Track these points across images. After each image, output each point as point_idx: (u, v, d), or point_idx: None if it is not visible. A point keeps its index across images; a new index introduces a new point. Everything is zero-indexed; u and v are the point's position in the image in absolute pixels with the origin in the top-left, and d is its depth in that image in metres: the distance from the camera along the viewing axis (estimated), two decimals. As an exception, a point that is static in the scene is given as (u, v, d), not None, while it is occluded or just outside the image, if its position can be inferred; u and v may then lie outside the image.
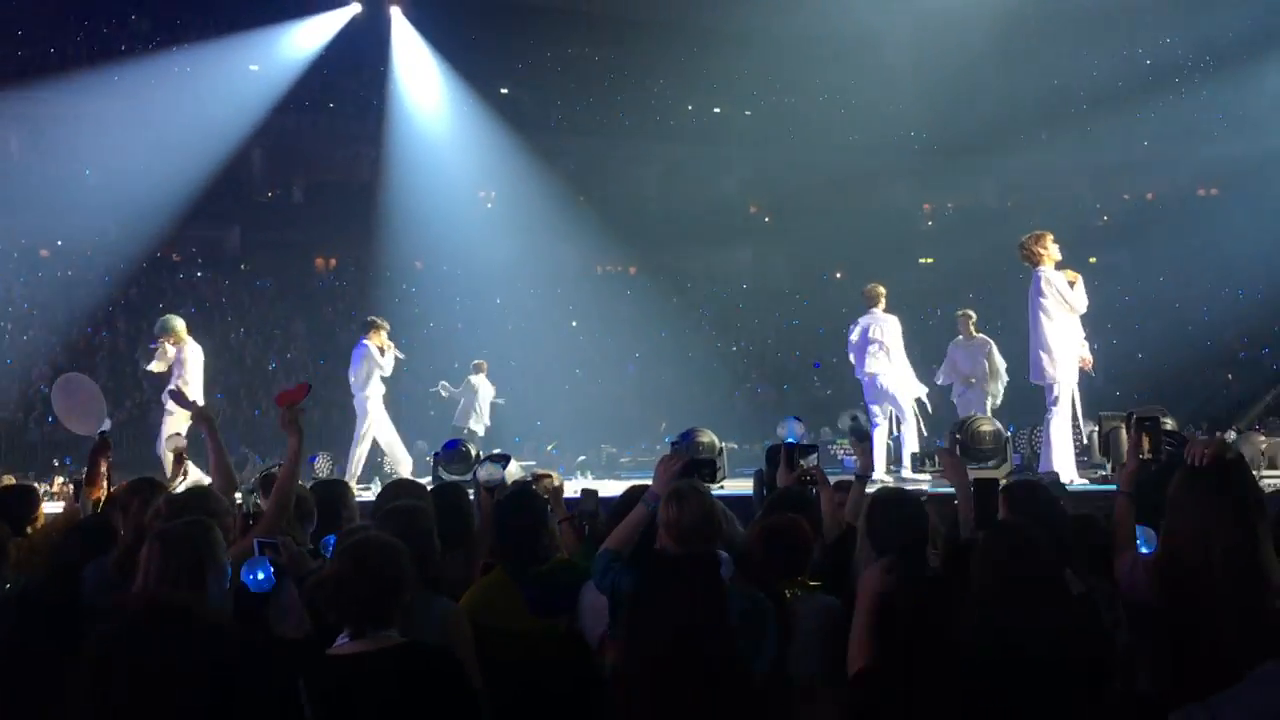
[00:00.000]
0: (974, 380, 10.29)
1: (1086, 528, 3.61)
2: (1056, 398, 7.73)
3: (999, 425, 8.73)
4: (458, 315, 21.70)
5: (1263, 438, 10.68)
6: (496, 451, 4.87)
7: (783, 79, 28.07)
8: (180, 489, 5.10)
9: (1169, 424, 5.55)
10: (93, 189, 22.44)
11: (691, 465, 3.65)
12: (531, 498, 3.96)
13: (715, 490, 3.79)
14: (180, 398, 6.26)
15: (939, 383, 10.53)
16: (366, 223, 23.43)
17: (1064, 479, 7.34)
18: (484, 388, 14.18)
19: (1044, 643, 2.57)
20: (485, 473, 4.31)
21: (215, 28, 23.12)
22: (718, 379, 22.48)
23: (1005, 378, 10.37)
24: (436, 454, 9.54)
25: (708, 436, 6.88)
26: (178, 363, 9.07)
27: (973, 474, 3.91)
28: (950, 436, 8.59)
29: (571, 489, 5.39)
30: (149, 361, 9.43)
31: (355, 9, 23.13)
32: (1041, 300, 7.69)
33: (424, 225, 22.43)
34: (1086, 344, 8.10)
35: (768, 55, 27.05)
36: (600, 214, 24.70)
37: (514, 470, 5.33)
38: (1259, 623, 2.73)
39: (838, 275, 26.62)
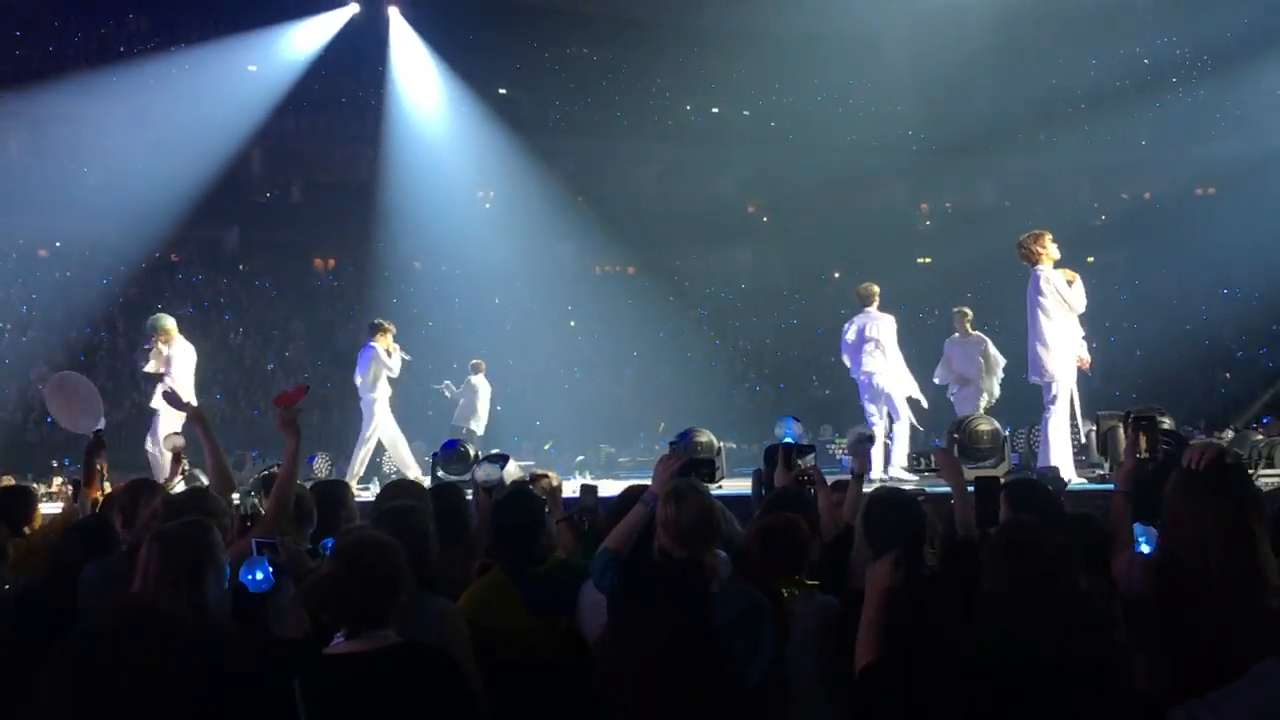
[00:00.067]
0: (969, 378, 10.26)
1: (1084, 527, 3.61)
2: (1055, 397, 7.73)
3: (997, 425, 8.73)
4: (456, 315, 21.66)
5: (1260, 436, 10.67)
6: (495, 451, 4.87)
7: (781, 79, 28.07)
8: (178, 489, 5.10)
9: (1166, 423, 5.57)
10: (92, 189, 22.46)
11: (690, 465, 3.64)
12: (529, 498, 3.96)
13: (714, 490, 3.79)
14: (174, 399, 6.24)
15: (936, 382, 10.50)
16: (365, 223, 23.43)
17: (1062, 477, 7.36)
18: (483, 388, 14.20)
19: (1052, 642, 2.57)
20: (483, 473, 4.31)
21: (214, 28, 23.14)
22: (716, 379, 22.49)
23: (1002, 373, 10.31)
24: (435, 454, 9.56)
25: (706, 436, 6.90)
26: (167, 361, 9.07)
27: (972, 473, 3.92)
28: (948, 436, 8.60)
29: (570, 489, 5.40)
30: (145, 363, 9.43)
31: (353, 10, 23.13)
32: (1040, 299, 7.69)
33: (422, 225, 22.42)
34: (1085, 343, 8.10)
35: (765, 55, 27.06)
36: (599, 214, 24.68)
37: (512, 470, 5.34)
38: (1257, 622, 2.73)
39: (836, 275, 26.63)
